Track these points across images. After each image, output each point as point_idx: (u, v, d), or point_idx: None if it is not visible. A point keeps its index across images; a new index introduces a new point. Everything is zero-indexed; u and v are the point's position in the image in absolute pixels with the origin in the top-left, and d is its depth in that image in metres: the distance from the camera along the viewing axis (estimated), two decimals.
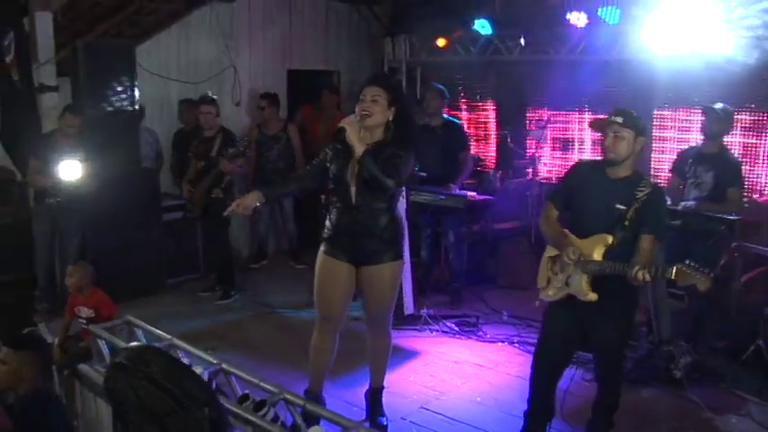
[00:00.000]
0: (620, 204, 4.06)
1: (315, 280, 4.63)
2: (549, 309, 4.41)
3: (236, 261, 8.27)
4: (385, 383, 4.89)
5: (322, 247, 4.59)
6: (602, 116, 4.36)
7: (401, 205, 6.44)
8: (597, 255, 4.07)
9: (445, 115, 7.41)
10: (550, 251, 4.36)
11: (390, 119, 4.36)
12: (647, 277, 3.83)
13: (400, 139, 4.38)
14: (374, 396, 4.85)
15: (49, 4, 7.23)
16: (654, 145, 7.86)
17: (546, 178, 8.70)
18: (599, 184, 4.19)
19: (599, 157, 4.55)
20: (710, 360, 5.69)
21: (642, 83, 7.68)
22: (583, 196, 4.24)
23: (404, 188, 6.45)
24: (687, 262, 3.75)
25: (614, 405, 4.44)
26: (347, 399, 5.10)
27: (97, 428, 4.25)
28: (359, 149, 4.28)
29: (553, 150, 8.84)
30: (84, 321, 5.51)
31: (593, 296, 4.10)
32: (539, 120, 8.71)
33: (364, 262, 4.48)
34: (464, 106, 9.72)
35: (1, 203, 6.96)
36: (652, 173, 7.78)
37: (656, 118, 7.91)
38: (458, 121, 7.67)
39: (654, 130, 7.83)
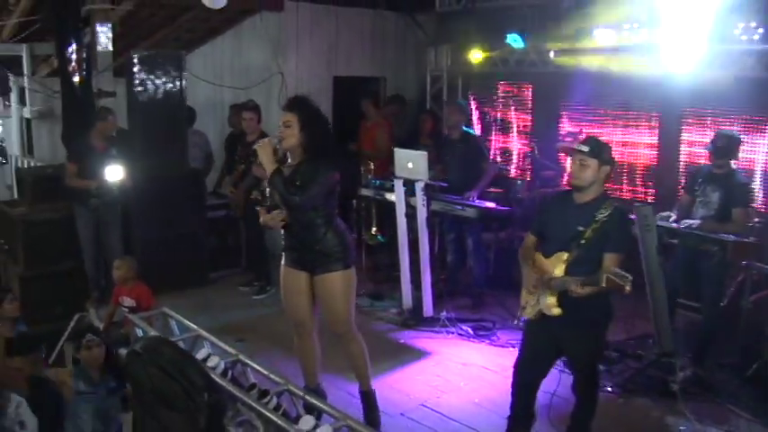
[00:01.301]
0: (581, 226, 4.33)
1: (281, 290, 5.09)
2: (526, 326, 4.74)
3: (277, 257, 8.72)
4: (374, 386, 5.15)
5: (282, 260, 5.04)
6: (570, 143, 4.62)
7: (422, 213, 6.88)
8: (558, 272, 4.35)
9: (464, 128, 7.74)
10: (531, 277, 4.63)
11: (305, 140, 4.67)
12: (579, 290, 4.11)
13: (313, 159, 4.69)
14: (365, 399, 5.11)
15: (108, 16, 7.80)
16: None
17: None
18: (565, 209, 4.50)
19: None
20: (714, 376, 5.85)
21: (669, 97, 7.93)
22: (551, 222, 4.56)
23: (425, 197, 6.85)
24: (613, 270, 3.99)
25: (590, 414, 4.71)
26: (350, 390, 5.41)
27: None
28: (268, 171, 4.66)
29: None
30: (127, 310, 6.06)
31: (556, 311, 4.35)
32: (569, 132, 8.93)
33: (312, 271, 4.86)
34: (501, 116, 9.99)
35: (61, 198, 7.49)
36: None
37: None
38: (474, 133, 8.01)
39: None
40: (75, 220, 7.41)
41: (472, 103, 9.97)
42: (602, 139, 8.38)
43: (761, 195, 7.34)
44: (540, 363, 4.70)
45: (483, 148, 7.87)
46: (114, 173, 7.14)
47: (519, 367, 4.77)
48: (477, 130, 9.72)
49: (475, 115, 10.13)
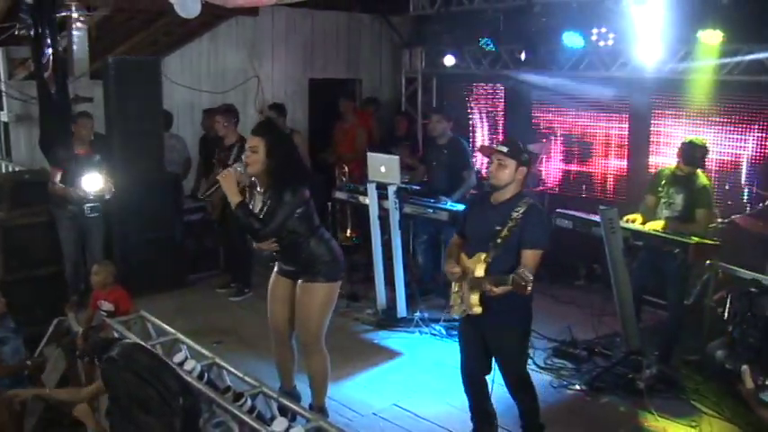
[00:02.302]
0: (498, 225, 4.45)
1: None
2: (459, 325, 4.87)
3: (257, 259, 8.83)
4: (347, 385, 5.37)
5: (275, 268, 5.14)
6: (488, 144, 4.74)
7: (394, 216, 6.99)
8: (479, 271, 4.43)
9: (450, 133, 7.82)
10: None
11: (271, 165, 4.69)
12: (495, 289, 4.24)
13: (275, 184, 4.71)
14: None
15: (84, 22, 7.83)
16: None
17: (550, 189, 9.10)
18: (483, 210, 4.64)
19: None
20: (678, 372, 6.02)
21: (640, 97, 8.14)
22: (472, 222, 4.71)
23: (397, 200, 6.97)
24: (520, 271, 4.10)
25: (534, 413, 4.83)
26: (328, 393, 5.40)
27: None
28: (232, 202, 4.67)
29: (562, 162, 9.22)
30: (105, 314, 6.13)
31: (477, 309, 4.45)
32: (541, 133, 9.10)
33: (294, 279, 4.95)
34: (475, 117, 10.13)
35: (39, 203, 7.54)
36: None
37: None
38: (462, 140, 8.08)
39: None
40: (56, 225, 7.47)
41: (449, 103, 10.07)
42: (575, 138, 8.86)
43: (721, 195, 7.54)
44: (479, 359, 4.77)
45: (469, 156, 7.96)
46: (92, 183, 7.19)
47: (462, 366, 4.88)
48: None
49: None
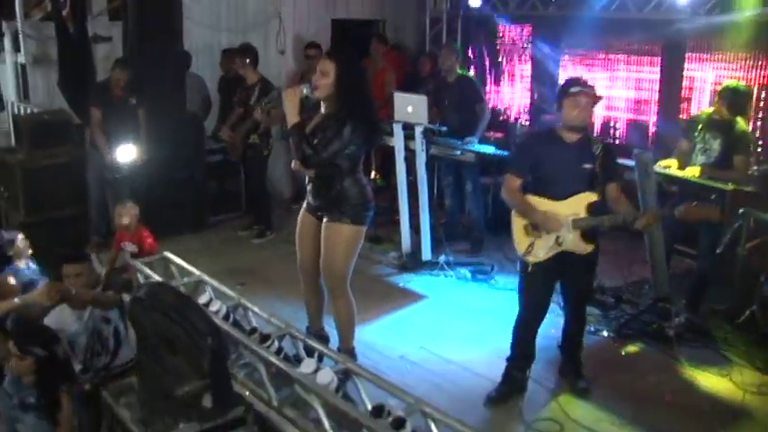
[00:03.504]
0: (587, 164, 4.50)
1: None
2: (532, 269, 4.71)
3: (278, 202, 8.79)
4: (373, 329, 5.26)
5: (304, 204, 5.02)
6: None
7: (421, 158, 6.88)
8: (583, 212, 4.50)
9: (459, 70, 7.67)
10: (524, 219, 4.68)
11: (339, 93, 4.54)
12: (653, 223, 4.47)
13: (338, 113, 4.55)
14: None
15: None
16: None
17: None
18: (560, 149, 4.58)
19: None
20: (707, 321, 5.93)
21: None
22: (548, 163, 4.60)
23: (424, 141, 6.85)
24: (694, 203, 4.29)
25: (583, 330, 5.05)
26: (360, 338, 5.33)
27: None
28: (289, 122, 4.56)
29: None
30: (129, 255, 6.09)
31: (590, 247, 4.59)
32: (570, 77, 8.85)
33: (321, 218, 4.84)
34: (501, 59, 9.91)
35: (60, 144, 7.47)
36: None
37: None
38: (471, 75, 7.93)
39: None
40: (87, 164, 7.45)
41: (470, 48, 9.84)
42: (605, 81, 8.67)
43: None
44: (546, 304, 4.84)
45: (479, 89, 7.80)
46: (126, 154, 7.17)
47: (528, 312, 4.85)
48: (472, 72, 9.61)
49: (473, 59, 10.02)
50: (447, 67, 7.61)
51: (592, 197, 4.54)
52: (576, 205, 4.53)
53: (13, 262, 5.56)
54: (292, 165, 4.89)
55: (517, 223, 4.73)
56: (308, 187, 4.90)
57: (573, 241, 4.55)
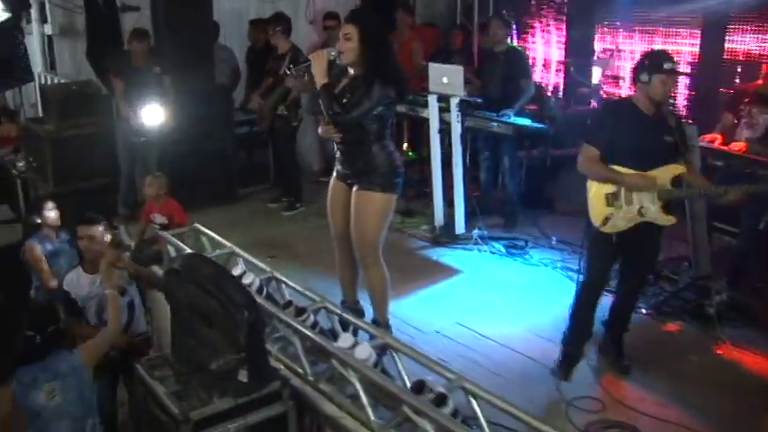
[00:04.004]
0: (668, 137, 4.49)
1: None
2: (604, 240, 4.61)
3: (307, 174, 8.69)
4: (408, 302, 5.18)
5: (334, 172, 4.96)
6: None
7: (456, 129, 6.74)
8: (669, 184, 4.49)
9: (508, 42, 7.50)
10: (605, 188, 4.57)
11: (365, 54, 4.52)
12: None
13: (366, 74, 4.54)
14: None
15: None
16: None
17: None
18: (641, 121, 4.51)
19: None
20: (749, 300, 5.73)
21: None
22: (630, 134, 4.51)
23: (460, 113, 6.71)
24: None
25: (634, 308, 5.07)
26: (395, 313, 5.30)
27: (163, 320, 4.74)
28: (318, 83, 4.56)
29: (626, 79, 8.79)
30: (158, 227, 6.02)
31: (672, 219, 4.58)
32: (606, 49, 8.68)
33: (351, 186, 4.79)
34: (534, 32, 9.70)
35: (87, 114, 7.42)
36: None
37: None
38: (520, 49, 7.76)
39: None
40: (116, 134, 7.39)
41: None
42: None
43: None
44: (608, 276, 4.86)
45: (527, 65, 7.64)
46: (153, 115, 7.06)
47: (592, 285, 4.78)
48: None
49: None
50: (498, 38, 7.41)
51: (679, 169, 4.52)
52: (663, 176, 4.49)
53: (42, 230, 5.54)
54: (319, 130, 4.89)
55: (596, 192, 4.63)
56: (337, 155, 4.85)
57: (656, 212, 4.51)
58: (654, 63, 4.47)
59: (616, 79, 8.75)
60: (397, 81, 4.64)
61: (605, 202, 4.58)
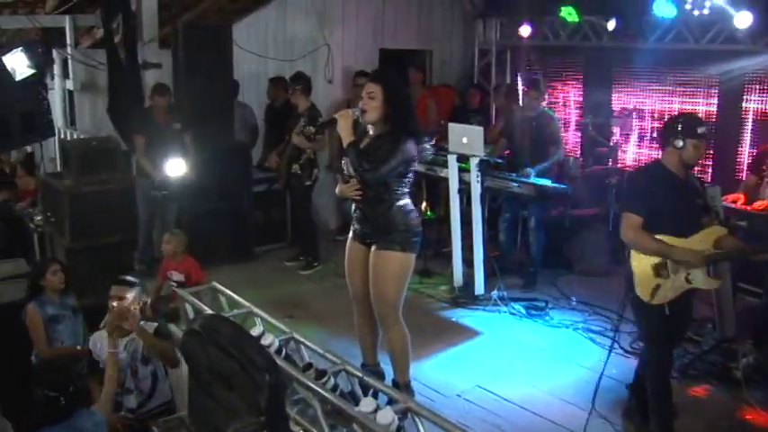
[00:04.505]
0: (699, 199, 4.49)
1: None
2: (658, 314, 4.44)
3: (324, 233, 8.66)
4: (428, 365, 5.09)
5: (350, 233, 4.92)
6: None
7: (476, 189, 6.72)
8: (711, 247, 4.40)
9: (542, 107, 7.48)
10: (650, 259, 4.42)
11: (388, 113, 4.56)
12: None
13: (392, 132, 4.57)
14: (398, 389, 4.86)
15: None
16: None
17: (629, 167, 8.68)
18: (675, 185, 4.45)
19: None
20: None
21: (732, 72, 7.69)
22: (668, 200, 4.41)
23: (479, 173, 6.69)
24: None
25: None
26: (416, 376, 5.21)
27: (181, 380, 4.66)
28: (345, 141, 4.57)
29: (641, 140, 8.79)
30: (175, 284, 5.98)
31: (717, 283, 4.54)
32: (623, 108, 8.69)
33: (369, 245, 4.75)
34: (550, 91, 9.72)
35: (107, 171, 7.41)
36: None
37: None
38: (553, 114, 7.73)
39: None
40: (135, 191, 7.38)
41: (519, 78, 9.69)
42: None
43: None
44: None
45: (559, 130, 7.62)
46: (176, 167, 7.09)
47: (668, 358, 4.67)
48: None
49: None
50: (533, 105, 7.41)
51: (721, 231, 4.47)
52: (706, 241, 4.41)
53: (45, 292, 5.39)
54: (337, 189, 4.88)
55: (640, 264, 4.45)
56: (355, 214, 4.82)
57: (703, 277, 4.40)
58: (688, 127, 4.41)
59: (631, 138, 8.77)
60: (419, 136, 4.68)
61: (652, 273, 4.42)
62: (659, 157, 4.64)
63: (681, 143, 4.37)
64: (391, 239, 4.65)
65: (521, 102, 7.56)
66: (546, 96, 7.58)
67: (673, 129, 4.45)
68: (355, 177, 4.63)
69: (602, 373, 4.76)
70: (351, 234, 4.92)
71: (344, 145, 4.60)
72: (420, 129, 4.78)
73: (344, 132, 4.60)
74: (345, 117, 4.63)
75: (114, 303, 4.56)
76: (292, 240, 8.53)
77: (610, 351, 5.03)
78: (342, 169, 4.71)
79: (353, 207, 4.84)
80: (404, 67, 9.49)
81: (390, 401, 3.70)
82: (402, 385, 4.81)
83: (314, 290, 7.29)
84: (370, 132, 4.69)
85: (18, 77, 6.87)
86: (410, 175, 4.71)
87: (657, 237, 4.36)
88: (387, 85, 4.58)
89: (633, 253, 4.47)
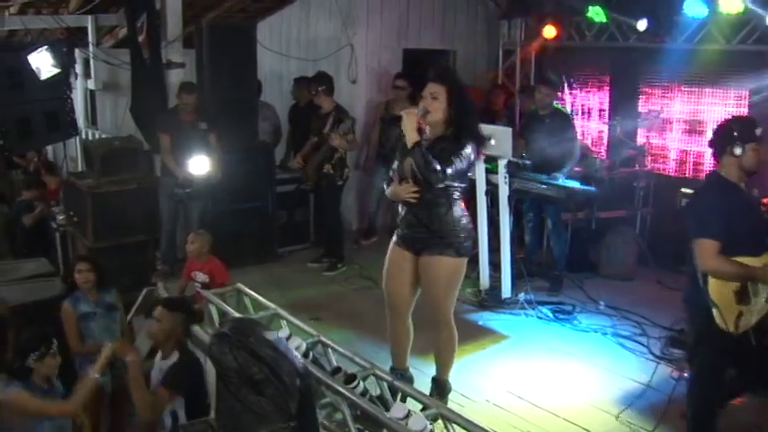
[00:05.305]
0: (764, 211, 4.24)
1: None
2: (749, 341, 4.13)
3: (346, 234, 8.58)
4: (457, 368, 4.94)
5: (393, 238, 4.81)
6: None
7: (503, 191, 6.62)
8: None
9: (554, 104, 7.44)
10: (732, 286, 4.06)
11: (451, 115, 4.45)
12: None
13: (456, 135, 4.45)
14: (438, 386, 4.89)
15: None
16: None
17: (656, 169, 8.54)
18: (743, 200, 4.20)
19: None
20: None
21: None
22: (741, 218, 4.11)
23: (507, 175, 6.61)
24: None
25: None
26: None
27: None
28: (409, 141, 4.40)
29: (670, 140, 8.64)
30: (199, 285, 5.91)
31: None
32: (650, 109, 8.56)
33: (420, 252, 4.63)
34: (577, 92, 9.61)
35: (129, 170, 7.39)
36: None
37: None
38: (566, 111, 7.72)
39: None
40: (158, 190, 7.38)
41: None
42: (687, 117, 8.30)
43: None
44: None
45: (572, 126, 7.56)
46: (200, 165, 7.01)
47: (715, 399, 4.37)
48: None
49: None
50: (545, 103, 7.39)
51: None
52: None
53: (79, 289, 5.42)
54: (388, 191, 4.78)
55: (723, 293, 4.04)
56: (406, 218, 4.68)
57: None
58: (744, 131, 4.10)
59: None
60: (479, 140, 4.61)
61: (734, 300, 4.05)
62: (715, 168, 4.30)
63: (739, 150, 4.06)
64: (447, 244, 4.55)
65: (539, 103, 7.46)
66: (558, 93, 7.52)
67: (728, 135, 4.13)
68: (411, 179, 4.52)
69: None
70: (396, 239, 4.80)
71: (408, 145, 4.41)
72: (482, 133, 4.69)
73: (409, 131, 4.42)
74: (411, 115, 4.48)
75: (154, 329, 4.45)
76: (315, 241, 8.46)
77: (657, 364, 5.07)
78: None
79: (403, 210, 4.69)
80: (427, 67, 9.41)
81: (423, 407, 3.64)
82: (441, 381, 4.85)
83: (339, 292, 7.21)
84: (427, 134, 4.57)
85: (43, 77, 6.87)
86: (467, 178, 4.63)
87: (736, 259, 4.02)
88: (451, 86, 4.48)
89: (713, 282, 4.05)
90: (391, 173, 4.79)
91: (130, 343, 5.76)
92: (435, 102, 4.44)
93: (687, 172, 8.46)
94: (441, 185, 4.42)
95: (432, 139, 4.52)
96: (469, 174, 4.71)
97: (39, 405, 4.09)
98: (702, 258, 4.04)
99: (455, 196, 4.54)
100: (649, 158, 8.49)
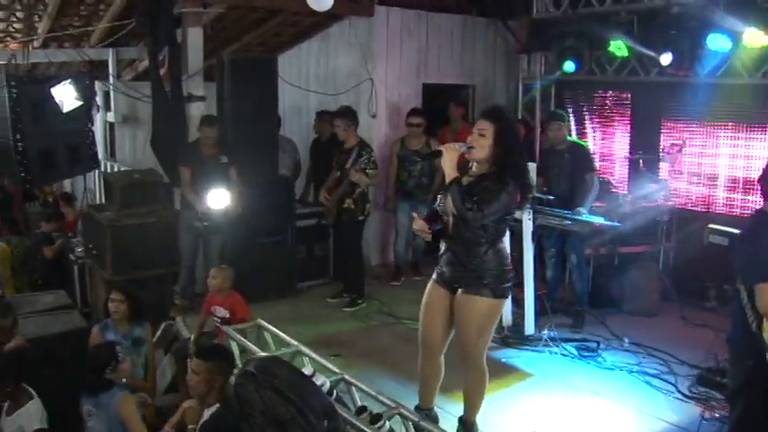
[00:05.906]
0: None
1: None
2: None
3: (366, 269, 8.51)
4: (479, 418, 4.84)
5: (433, 275, 4.75)
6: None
7: (527, 227, 6.56)
8: None
9: (570, 138, 7.43)
10: None
11: (496, 153, 4.40)
12: None
13: (499, 174, 4.38)
14: (464, 427, 4.83)
15: (200, 20, 7.68)
16: None
17: (679, 204, 8.45)
18: None
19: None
20: None
21: None
22: None
23: (530, 211, 6.55)
24: None
25: None
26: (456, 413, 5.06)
27: None
28: (448, 177, 4.38)
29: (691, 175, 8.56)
30: (219, 320, 5.86)
31: None
32: (673, 144, 8.49)
33: (457, 289, 4.56)
34: (597, 126, 9.57)
35: (149, 203, 7.40)
36: None
37: None
38: (583, 144, 7.70)
39: None
40: (179, 224, 7.36)
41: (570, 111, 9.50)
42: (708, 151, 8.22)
43: None
44: None
45: (590, 158, 7.55)
46: (219, 199, 6.98)
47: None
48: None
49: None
50: (558, 140, 7.39)
51: None
52: None
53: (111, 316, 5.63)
54: (414, 225, 4.72)
55: None
56: (445, 255, 4.63)
57: None
58: None
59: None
60: (526, 187, 4.53)
61: None
62: (762, 206, 4.22)
63: None
64: (485, 283, 4.47)
65: (552, 141, 7.46)
66: (570, 126, 7.51)
67: None
68: (452, 216, 4.47)
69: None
70: (435, 276, 4.73)
71: (447, 180, 4.39)
72: (529, 181, 4.62)
73: (448, 167, 4.40)
74: (451, 151, 4.45)
75: (193, 382, 4.22)
76: (335, 276, 8.39)
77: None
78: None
79: (444, 248, 4.65)
80: (446, 102, 9.42)
81: None
82: (470, 423, 4.76)
83: (359, 328, 7.11)
84: (473, 170, 4.54)
85: (66, 109, 6.90)
86: (509, 219, 4.57)
87: None
88: (499, 124, 4.43)
89: (765, 322, 3.95)
90: (437, 206, 4.70)
91: (152, 377, 5.79)
92: (482, 138, 4.40)
93: (710, 207, 8.36)
94: (478, 224, 4.35)
95: (476, 176, 4.47)
96: (513, 215, 4.63)
97: None
98: (762, 302, 3.92)
99: (497, 236, 4.47)
100: (672, 193, 8.40)
